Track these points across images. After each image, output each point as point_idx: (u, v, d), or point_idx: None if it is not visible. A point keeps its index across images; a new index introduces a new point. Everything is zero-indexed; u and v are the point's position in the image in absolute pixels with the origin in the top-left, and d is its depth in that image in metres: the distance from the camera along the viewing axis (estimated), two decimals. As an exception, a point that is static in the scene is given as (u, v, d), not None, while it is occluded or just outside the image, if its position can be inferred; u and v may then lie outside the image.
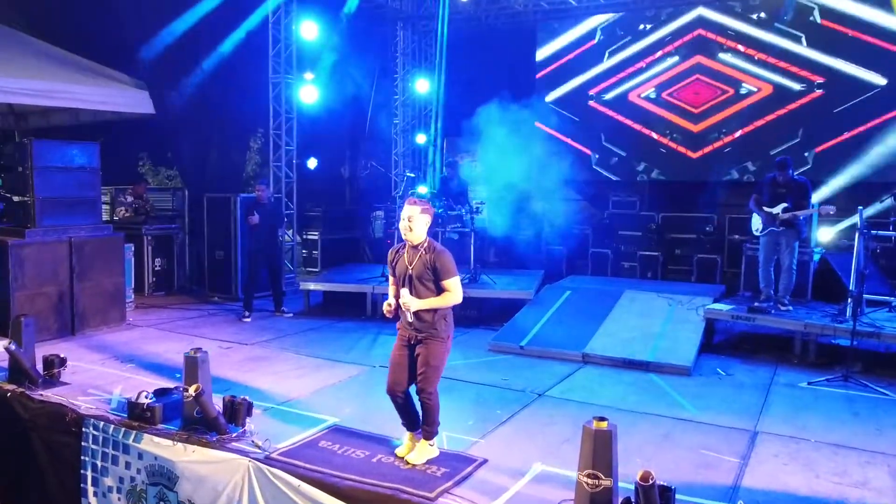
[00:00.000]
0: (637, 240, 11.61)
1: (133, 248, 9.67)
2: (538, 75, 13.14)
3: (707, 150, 11.87)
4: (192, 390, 4.65)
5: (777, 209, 7.69)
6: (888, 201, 9.10)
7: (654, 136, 12.27)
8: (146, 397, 5.18)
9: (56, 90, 8.58)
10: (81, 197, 8.08)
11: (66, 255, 7.82)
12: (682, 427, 5.29)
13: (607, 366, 6.96)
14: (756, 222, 8.02)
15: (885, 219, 9.08)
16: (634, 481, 3.55)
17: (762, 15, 11.32)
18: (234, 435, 4.82)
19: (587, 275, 11.38)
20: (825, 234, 9.63)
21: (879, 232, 8.39)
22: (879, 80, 10.44)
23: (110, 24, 10.52)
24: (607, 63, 12.66)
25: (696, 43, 11.86)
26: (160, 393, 5.30)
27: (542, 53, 13.12)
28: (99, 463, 5.14)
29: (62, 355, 6.15)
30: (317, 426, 5.14)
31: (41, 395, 5.69)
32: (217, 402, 5.03)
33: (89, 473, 5.19)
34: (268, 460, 4.49)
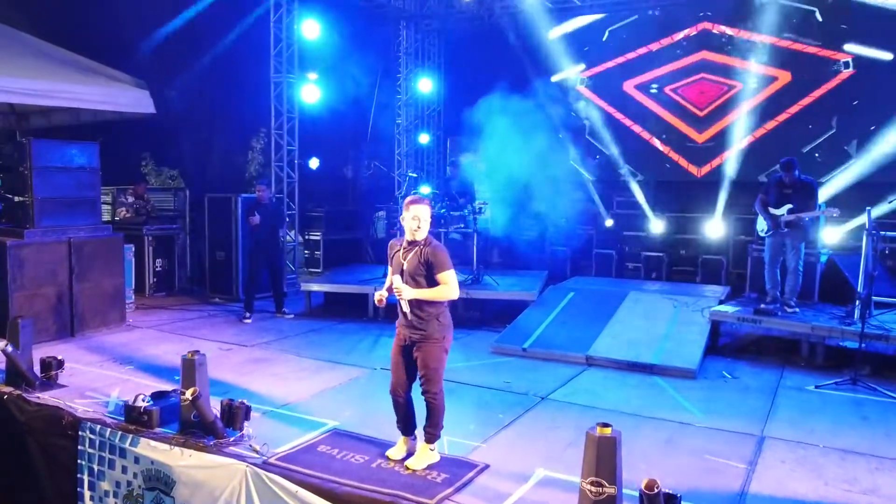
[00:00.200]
0: (641, 240, 11.51)
1: (133, 249, 9.62)
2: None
3: (715, 162, 11.32)
4: (188, 394, 4.58)
5: (782, 210, 7.60)
6: None
7: (659, 146, 11.92)
8: (143, 400, 5.12)
9: (56, 90, 8.53)
10: (81, 197, 8.03)
11: (66, 256, 7.76)
12: (687, 431, 5.20)
13: (611, 368, 6.87)
14: (761, 223, 7.93)
15: (894, 219, 8.96)
16: (639, 489, 3.47)
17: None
18: (231, 439, 4.75)
19: (591, 275, 11.27)
20: (832, 235, 9.51)
21: (888, 233, 8.27)
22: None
23: (111, 24, 10.50)
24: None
25: (701, 36, 11.38)
26: (157, 396, 5.24)
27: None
28: (95, 467, 5.07)
29: (60, 357, 6.09)
30: (316, 430, 5.06)
31: (38, 397, 5.62)
32: (215, 405, 4.97)
33: (86, 478, 5.12)
34: (265, 465, 4.42)
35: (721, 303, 8.34)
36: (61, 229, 7.78)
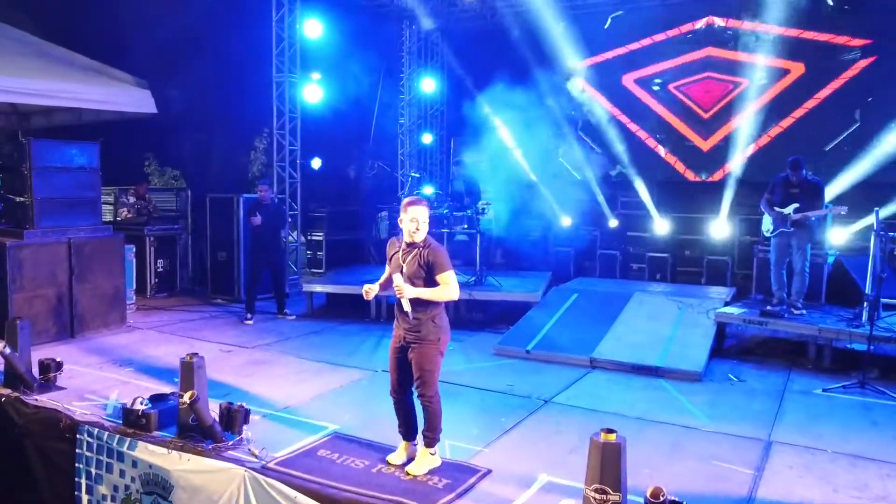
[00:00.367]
0: (646, 241, 11.42)
1: (134, 250, 9.56)
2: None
3: (726, 167, 10.91)
4: (186, 397, 4.51)
5: (788, 210, 7.51)
6: None
7: (662, 153, 11.68)
8: (141, 403, 5.05)
9: (58, 90, 8.46)
10: (81, 197, 7.97)
11: (66, 257, 7.71)
12: (692, 436, 5.12)
13: (616, 371, 6.79)
14: (767, 223, 7.84)
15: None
16: (644, 496, 3.39)
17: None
18: (230, 443, 4.68)
19: (595, 276, 11.20)
20: (840, 236, 9.40)
21: (896, 234, 8.17)
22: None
23: (112, 23, 10.44)
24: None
25: (706, 30, 10.99)
26: (156, 399, 5.17)
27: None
28: (93, 471, 5.01)
29: (58, 359, 6.03)
30: (316, 434, 5.00)
31: (36, 400, 5.57)
32: (214, 408, 4.91)
33: (83, 481, 5.06)
34: (264, 470, 4.35)
35: (726, 304, 8.26)
36: (61, 230, 7.73)
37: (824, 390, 6.22)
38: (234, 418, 4.81)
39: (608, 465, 3.46)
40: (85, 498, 5.05)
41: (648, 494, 3.33)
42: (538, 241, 11.86)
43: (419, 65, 13.86)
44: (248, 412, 4.89)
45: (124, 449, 4.85)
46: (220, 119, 11.97)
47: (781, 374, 6.76)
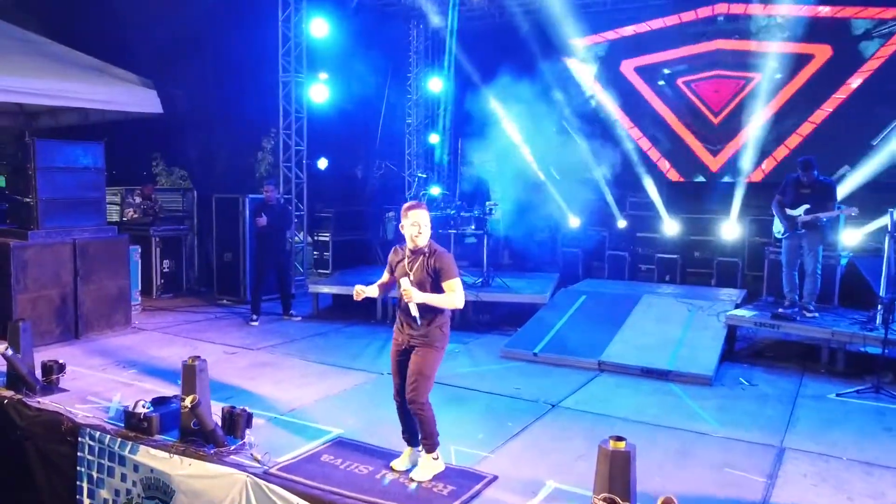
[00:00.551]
0: (655, 242, 11.30)
1: (140, 250, 9.53)
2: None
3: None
4: (188, 401, 4.44)
5: (799, 211, 7.38)
6: None
7: (666, 168, 11.35)
8: (143, 406, 4.99)
9: (63, 90, 8.44)
10: (85, 198, 7.93)
11: (70, 258, 7.67)
12: (703, 442, 5.01)
13: (624, 374, 6.68)
14: (777, 225, 7.71)
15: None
16: (654, 507, 3.30)
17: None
18: (232, 448, 4.61)
19: (604, 278, 11.09)
20: (853, 237, 9.25)
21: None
22: None
23: (117, 23, 10.41)
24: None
25: (717, 19, 10.39)
26: (158, 402, 5.11)
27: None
28: (95, 474, 4.96)
29: (61, 361, 5.97)
30: (319, 438, 4.92)
31: (38, 402, 5.52)
32: (216, 412, 4.84)
33: (85, 485, 5.00)
34: (266, 475, 4.28)
35: (737, 307, 8.13)
36: (65, 230, 7.69)
37: (838, 395, 6.10)
38: (236, 422, 4.74)
39: (617, 474, 3.37)
40: (86, 502, 4.99)
41: (659, 504, 3.24)
42: (546, 242, 11.76)
43: (426, 64, 13.77)
44: (250, 416, 4.82)
45: (126, 453, 4.79)
46: (226, 119, 11.92)
47: (793, 378, 6.64)
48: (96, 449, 4.94)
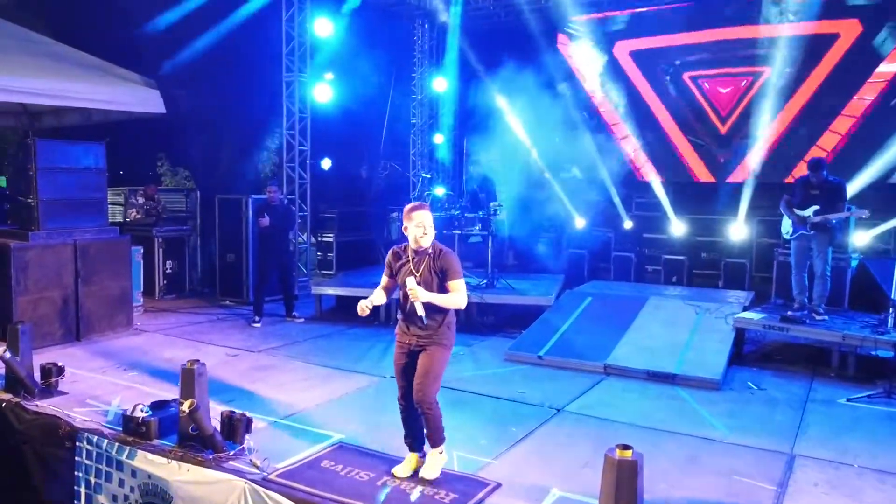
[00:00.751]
0: (661, 243, 11.19)
1: (142, 251, 9.47)
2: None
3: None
4: (185, 406, 4.36)
5: (808, 212, 7.26)
6: None
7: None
8: (142, 410, 4.92)
9: (65, 89, 8.39)
10: (87, 198, 7.87)
11: (71, 259, 7.61)
12: (711, 448, 4.91)
13: (631, 378, 6.58)
14: (786, 226, 7.59)
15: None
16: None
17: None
18: (231, 453, 4.53)
19: (609, 279, 10.98)
20: (863, 238, 9.11)
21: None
22: None
23: (120, 22, 10.35)
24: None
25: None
26: (157, 406, 5.03)
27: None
28: (93, 479, 4.89)
29: (60, 363, 5.91)
30: (320, 443, 4.84)
31: (37, 405, 5.46)
32: (216, 416, 4.77)
33: (83, 490, 4.94)
34: (265, 482, 4.20)
35: (745, 309, 8.01)
36: (67, 231, 7.63)
37: (848, 400, 5.98)
38: (235, 427, 4.67)
39: (624, 484, 3.27)
40: (84, 507, 4.93)
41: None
42: (551, 243, 11.67)
43: (431, 64, 13.69)
44: (249, 421, 4.74)
45: (123, 458, 4.72)
46: (230, 119, 11.86)
47: (803, 382, 6.52)
48: (94, 454, 4.87)
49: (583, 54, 12.10)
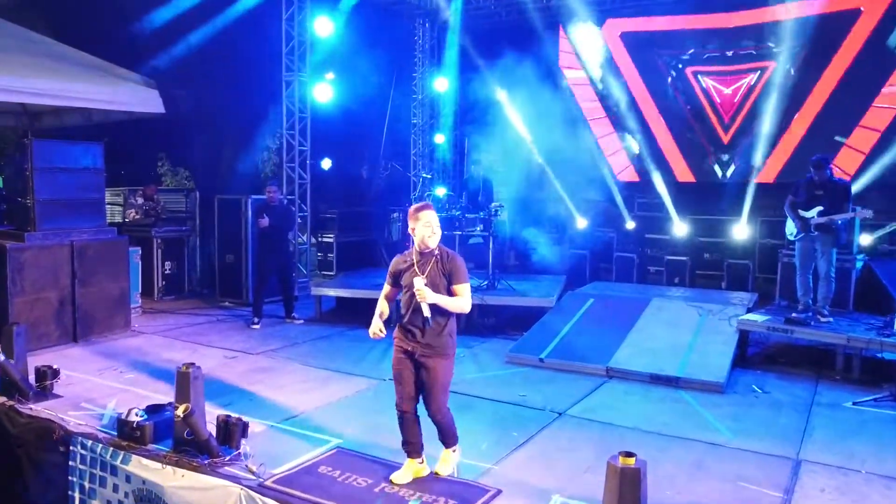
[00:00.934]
0: (664, 243, 11.10)
1: (140, 252, 9.39)
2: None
3: None
4: (180, 410, 4.29)
5: (812, 213, 7.17)
6: None
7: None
8: (137, 414, 4.84)
9: (65, 89, 8.30)
10: (84, 199, 7.80)
11: (68, 260, 7.54)
12: (716, 453, 4.82)
13: (633, 381, 6.49)
14: (790, 226, 7.50)
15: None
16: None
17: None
18: (226, 458, 4.45)
19: (611, 280, 10.90)
20: (869, 239, 9.01)
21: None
22: None
23: (120, 21, 10.28)
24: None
25: None
26: (152, 410, 4.96)
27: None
28: (87, 484, 4.81)
29: (55, 366, 5.84)
30: (318, 448, 4.77)
31: (31, 409, 5.39)
32: (212, 420, 4.69)
33: (77, 495, 4.86)
34: (261, 488, 4.12)
35: (749, 311, 7.93)
36: (64, 232, 7.56)
37: (854, 403, 5.89)
38: (231, 432, 4.59)
39: (627, 492, 3.19)
40: (78, 512, 4.86)
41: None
42: (553, 243, 11.58)
43: (432, 63, 13.61)
44: (246, 425, 4.66)
45: (118, 463, 4.64)
46: (230, 119, 11.80)
47: (808, 385, 6.43)
48: (88, 458, 4.80)
49: (583, 45, 11.96)
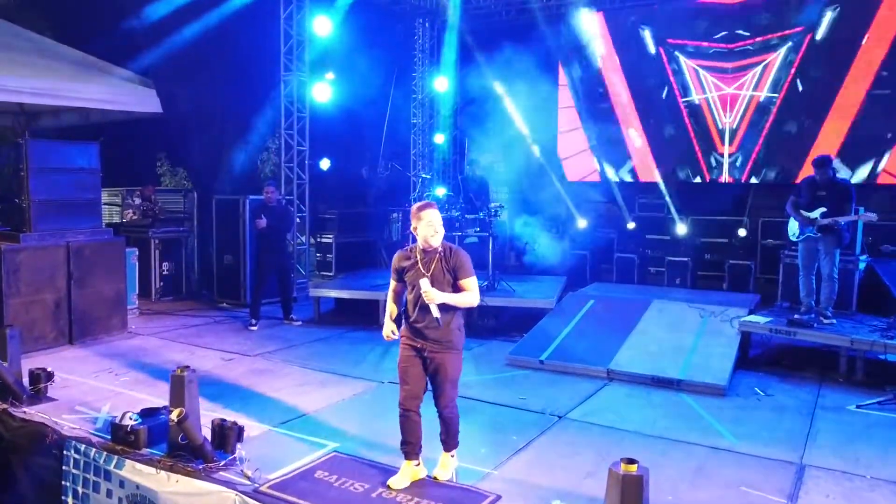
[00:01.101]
0: (665, 244, 11.03)
1: (137, 253, 9.33)
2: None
3: None
4: (174, 415, 4.22)
5: (815, 214, 7.10)
6: None
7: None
8: (131, 418, 4.77)
9: (62, 89, 8.27)
10: (80, 199, 7.74)
11: (64, 261, 7.47)
12: (718, 458, 4.75)
13: (634, 383, 6.42)
14: (793, 227, 7.43)
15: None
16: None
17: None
18: (221, 463, 4.38)
19: (612, 281, 10.83)
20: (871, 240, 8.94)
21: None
22: None
23: (119, 21, 10.22)
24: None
25: None
26: (146, 413, 4.89)
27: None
28: (80, 489, 4.75)
29: (49, 368, 5.77)
30: (315, 452, 4.70)
31: (24, 412, 5.32)
32: (207, 424, 4.62)
33: (70, 500, 4.79)
34: (256, 493, 4.06)
35: (751, 312, 7.85)
36: (59, 233, 7.50)
37: (858, 406, 5.82)
38: (227, 436, 4.53)
39: (629, 500, 3.12)
40: (71, 517, 4.79)
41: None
42: (553, 244, 11.51)
43: (432, 63, 13.54)
44: (241, 430, 4.60)
45: (111, 467, 4.57)
46: (229, 119, 11.74)
47: (811, 387, 6.36)
48: (81, 463, 4.73)
49: (584, 40, 11.89)
